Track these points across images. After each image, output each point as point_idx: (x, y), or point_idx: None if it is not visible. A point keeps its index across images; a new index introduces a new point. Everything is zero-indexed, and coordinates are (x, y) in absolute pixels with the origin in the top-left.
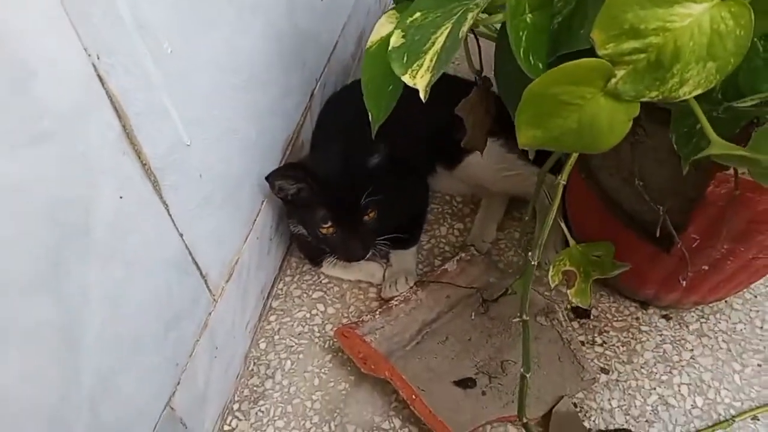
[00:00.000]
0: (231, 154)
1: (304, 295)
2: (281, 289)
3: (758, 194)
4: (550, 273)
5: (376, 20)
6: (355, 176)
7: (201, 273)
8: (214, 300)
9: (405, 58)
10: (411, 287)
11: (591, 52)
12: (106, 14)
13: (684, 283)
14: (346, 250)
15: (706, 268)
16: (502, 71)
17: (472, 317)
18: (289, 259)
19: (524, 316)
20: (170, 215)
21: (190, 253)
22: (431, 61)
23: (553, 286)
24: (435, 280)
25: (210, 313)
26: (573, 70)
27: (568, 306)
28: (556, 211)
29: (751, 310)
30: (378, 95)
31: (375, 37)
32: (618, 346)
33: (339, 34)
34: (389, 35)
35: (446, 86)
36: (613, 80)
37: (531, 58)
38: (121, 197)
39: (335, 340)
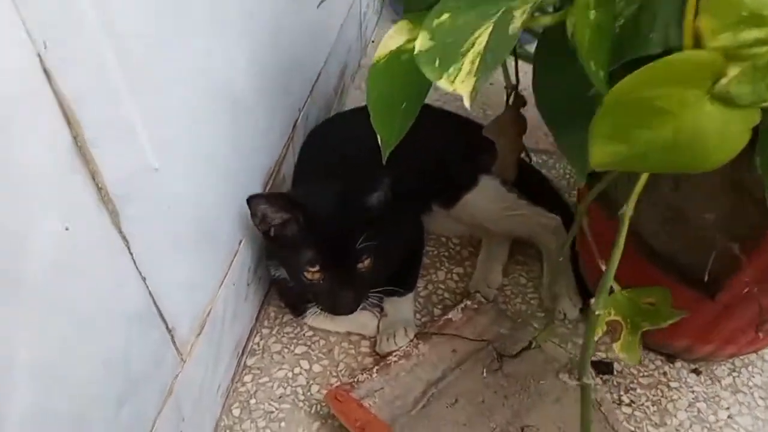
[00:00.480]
0: (206, 185)
1: (285, 350)
2: (258, 344)
3: None
4: (617, 337)
5: (359, 57)
6: (350, 215)
7: (167, 327)
8: (182, 360)
9: (437, 62)
10: (411, 340)
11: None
12: None
13: (761, 335)
14: (334, 302)
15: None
16: (543, 84)
17: (484, 375)
18: (266, 308)
19: (584, 379)
20: (131, 254)
21: (155, 303)
22: (473, 63)
23: (596, 338)
24: (438, 331)
25: (176, 376)
26: (676, 66)
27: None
28: (568, 255)
29: None
30: (389, 115)
31: (383, 51)
32: (648, 406)
33: (322, 66)
34: (400, 49)
35: (442, 120)
36: (724, 80)
37: (592, 65)
38: (66, 228)
39: (324, 404)
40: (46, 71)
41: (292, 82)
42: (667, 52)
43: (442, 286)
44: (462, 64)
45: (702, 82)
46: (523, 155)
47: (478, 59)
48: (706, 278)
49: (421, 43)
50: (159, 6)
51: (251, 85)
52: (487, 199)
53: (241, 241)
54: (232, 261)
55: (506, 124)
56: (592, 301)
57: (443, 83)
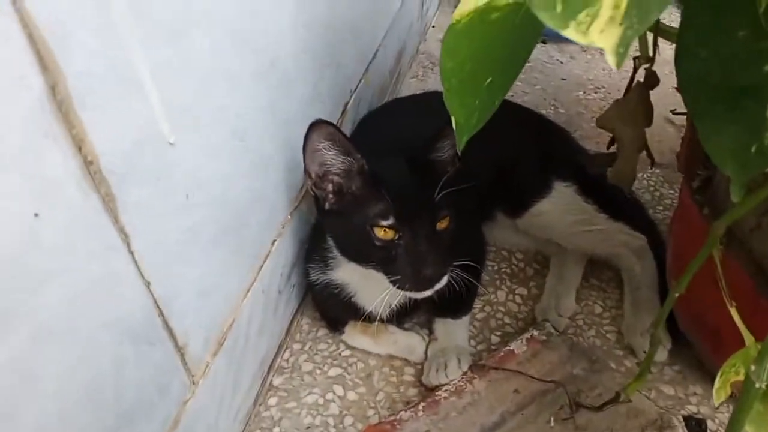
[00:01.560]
0: (234, 167)
1: (318, 371)
2: (287, 361)
3: None
4: (716, 386)
5: (418, 41)
6: (422, 168)
7: (176, 344)
8: (194, 383)
9: (559, 6)
10: (465, 373)
11: None
12: None
13: None
14: (417, 266)
15: None
16: (693, 58)
17: (551, 425)
18: (299, 320)
19: None
20: (131, 252)
21: (161, 313)
22: (616, 8)
23: (717, 403)
24: (498, 365)
25: (185, 404)
26: None
27: (684, 415)
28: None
29: None
30: (469, 92)
31: (465, 7)
32: None
33: (380, 43)
34: (490, 4)
35: (511, 113)
36: None
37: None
38: (36, 215)
39: None
40: None
41: (345, 56)
42: None
43: (502, 309)
44: (599, 8)
45: None
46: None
47: (625, 1)
48: None
49: None
50: None
51: (297, 50)
52: (562, 209)
53: (274, 241)
54: (263, 264)
55: (632, 109)
56: (752, 368)
57: (572, 33)
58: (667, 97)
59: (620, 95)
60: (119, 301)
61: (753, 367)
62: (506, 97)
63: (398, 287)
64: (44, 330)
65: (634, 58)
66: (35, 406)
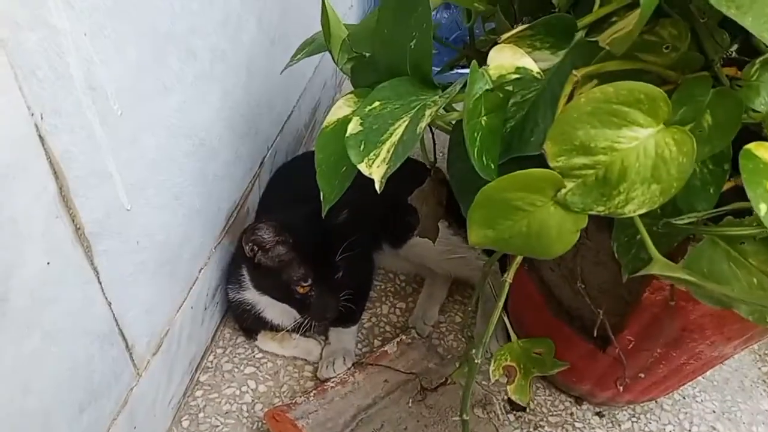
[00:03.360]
0: (173, 221)
1: (236, 369)
2: (211, 362)
3: (691, 304)
4: (491, 367)
5: (333, 93)
6: (326, 234)
7: (127, 345)
8: (138, 374)
9: (362, 146)
10: (348, 369)
11: (542, 158)
12: (56, 73)
13: (621, 387)
14: (324, 309)
15: (642, 375)
16: (454, 166)
17: (409, 405)
18: (222, 329)
19: (464, 416)
20: (99, 282)
21: (117, 324)
22: (388, 152)
23: (493, 380)
24: (374, 362)
25: (132, 389)
26: (525, 179)
27: (505, 397)
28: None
29: (680, 411)
30: (331, 176)
31: (331, 118)
32: None
33: (294, 105)
34: (346, 118)
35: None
36: (563, 191)
37: (484, 158)
38: (48, 263)
39: (265, 422)
40: (40, 137)
41: (262, 122)
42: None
43: (385, 320)
44: (380, 152)
45: (547, 191)
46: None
47: (392, 149)
48: (595, 333)
49: (352, 127)
50: (140, 62)
51: (220, 126)
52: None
53: (201, 270)
54: (191, 287)
55: (428, 194)
56: (473, 351)
57: (363, 167)
58: None
59: None
60: (91, 316)
61: (474, 351)
62: None
63: (306, 320)
64: (48, 334)
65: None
66: (38, 384)
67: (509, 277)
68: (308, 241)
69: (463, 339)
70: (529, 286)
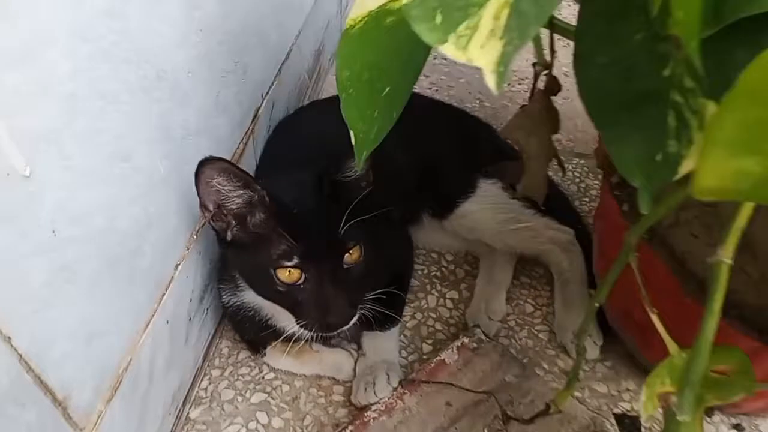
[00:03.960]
0: (120, 195)
1: (239, 397)
2: (205, 390)
3: None
4: (642, 398)
5: (337, 37)
6: (330, 198)
7: (54, 399)
8: None
9: (439, 17)
10: (395, 390)
11: None
12: None
13: None
14: (324, 309)
15: None
16: (590, 64)
17: None
18: (218, 343)
19: None
20: None
21: (30, 369)
22: (496, 19)
23: (645, 417)
24: (429, 378)
25: None
26: None
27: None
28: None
29: None
30: (365, 102)
31: (360, 10)
32: None
33: (293, 42)
34: (384, 7)
35: (433, 112)
36: None
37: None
38: None
39: None
40: None
41: (251, 56)
42: None
43: (433, 315)
44: (479, 20)
45: None
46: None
47: (506, 12)
48: None
49: None
50: None
51: (188, 56)
52: (488, 208)
53: (177, 266)
54: (165, 294)
55: (536, 118)
56: (646, 392)
57: (451, 49)
58: None
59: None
60: None
61: (674, 398)
62: (427, 94)
63: (306, 330)
64: None
65: (533, 64)
66: None
67: (726, 254)
68: (297, 203)
69: (539, 336)
70: (654, 265)
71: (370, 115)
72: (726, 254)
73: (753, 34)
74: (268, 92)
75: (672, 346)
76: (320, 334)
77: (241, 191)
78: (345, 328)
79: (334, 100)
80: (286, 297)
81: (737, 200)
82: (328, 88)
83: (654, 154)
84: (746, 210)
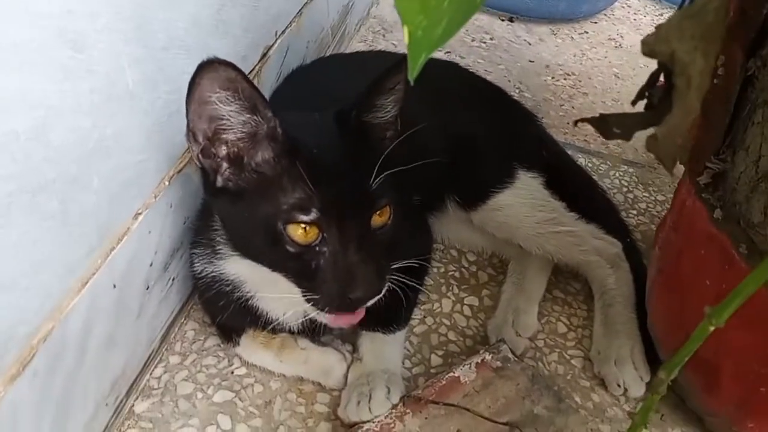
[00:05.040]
0: (59, 96)
1: (199, 393)
2: (158, 379)
3: None
4: None
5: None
6: (359, 141)
7: None
8: None
9: None
10: (394, 407)
11: None
12: None
13: None
14: (347, 286)
15: None
16: None
17: None
18: (183, 324)
19: None
20: None
21: None
22: None
23: None
24: (437, 398)
25: None
26: None
27: None
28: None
29: None
30: None
31: None
32: None
33: None
34: None
35: (473, 87)
36: None
37: None
38: None
39: None
40: None
41: None
42: None
43: (447, 322)
44: None
45: None
46: None
47: None
48: None
49: None
50: None
51: None
52: (526, 203)
53: (138, 215)
54: (115, 247)
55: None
56: None
57: None
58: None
59: (591, 83)
60: None
61: None
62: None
63: (317, 308)
64: None
65: None
66: None
67: None
68: (319, 143)
69: (572, 363)
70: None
71: (438, 3)
72: None
73: None
74: (283, 32)
75: None
76: (335, 309)
77: (248, 115)
78: (369, 304)
79: (359, 55)
80: (295, 262)
81: None
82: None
83: None
84: None
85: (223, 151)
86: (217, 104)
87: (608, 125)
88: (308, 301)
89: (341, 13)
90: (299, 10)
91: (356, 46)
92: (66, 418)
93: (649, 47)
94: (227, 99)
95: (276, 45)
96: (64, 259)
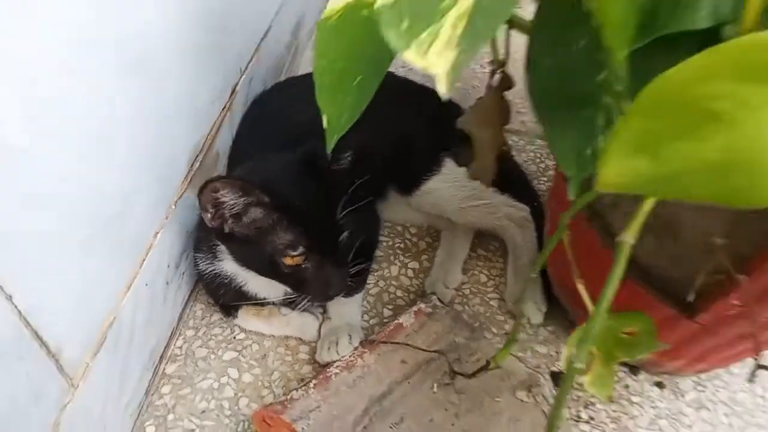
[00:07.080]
0: (106, 169)
1: (212, 356)
2: (180, 348)
3: None
4: (564, 353)
5: (319, 8)
6: (322, 185)
7: (48, 351)
8: (73, 386)
9: (406, 22)
10: (356, 349)
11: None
12: None
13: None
14: (327, 284)
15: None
16: (540, 63)
17: (434, 390)
18: (193, 306)
19: None
20: None
21: (28, 324)
22: (455, 27)
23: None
24: (387, 339)
25: (65, 407)
26: (741, 56)
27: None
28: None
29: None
30: (338, 91)
31: (336, 4)
32: (607, 423)
33: (272, 18)
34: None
35: (404, 91)
36: None
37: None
38: None
39: (255, 427)
40: None
41: (230, 36)
42: (714, 30)
43: (395, 283)
44: (440, 28)
45: None
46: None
47: (463, 22)
48: (691, 298)
49: None
50: None
51: (170, 39)
52: (451, 186)
53: (157, 234)
54: (145, 259)
55: (488, 112)
56: (568, 350)
57: (412, 55)
58: None
59: (520, 68)
60: None
61: (574, 350)
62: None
63: (308, 301)
64: None
65: (489, 62)
66: None
67: (630, 234)
68: (296, 195)
69: (491, 303)
70: (585, 238)
71: (342, 100)
72: (629, 236)
73: (675, 48)
74: (246, 68)
75: (592, 308)
76: (319, 302)
77: (241, 197)
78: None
79: (309, 77)
80: (289, 277)
81: (629, 192)
82: (306, 63)
83: (585, 149)
84: (649, 201)
85: (227, 214)
86: (218, 197)
87: (459, 158)
88: (300, 296)
89: (292, 31)
90: (257, 45)
91: (308, 55)
92: (125, 381)
93: (459, 126)
94: (225, 194)
95: (241, 80)
96: (119, 270)
